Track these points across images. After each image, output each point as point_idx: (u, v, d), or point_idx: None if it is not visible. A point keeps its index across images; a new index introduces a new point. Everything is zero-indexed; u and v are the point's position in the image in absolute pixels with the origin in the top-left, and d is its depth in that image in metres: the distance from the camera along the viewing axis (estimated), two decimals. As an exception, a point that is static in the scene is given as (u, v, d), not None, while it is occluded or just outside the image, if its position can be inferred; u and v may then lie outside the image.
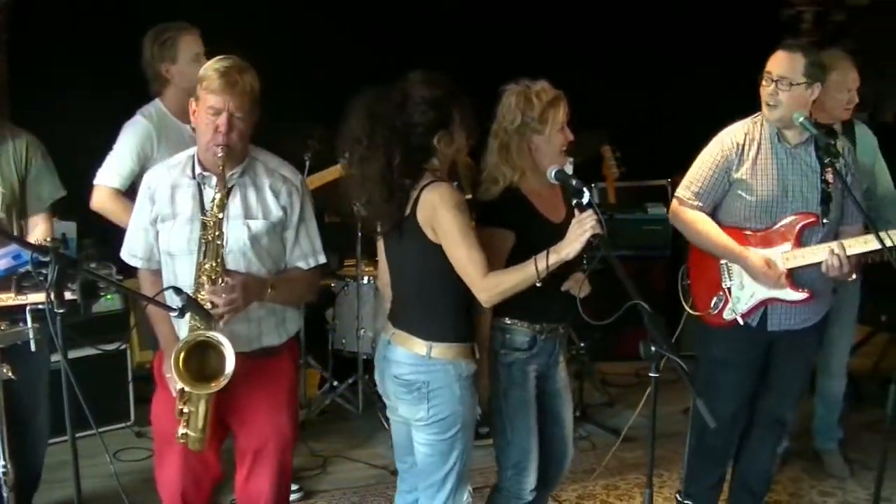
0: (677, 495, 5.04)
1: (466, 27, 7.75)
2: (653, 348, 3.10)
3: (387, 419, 4.88)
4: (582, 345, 6.48)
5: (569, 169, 4.52)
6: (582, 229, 3.42)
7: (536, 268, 3.46)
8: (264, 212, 3.75)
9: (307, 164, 5.82)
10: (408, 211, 3.55)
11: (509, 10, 7.86)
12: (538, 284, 3.52)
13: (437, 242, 3.53)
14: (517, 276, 3.51)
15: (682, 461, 5.02)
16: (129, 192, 4.42)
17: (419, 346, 3.63)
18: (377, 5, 7.51)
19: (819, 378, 5.65)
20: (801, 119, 4.14)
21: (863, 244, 4.14)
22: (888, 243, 3.96)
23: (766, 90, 4.22)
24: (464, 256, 3.49)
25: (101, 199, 4.57)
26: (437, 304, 3.65)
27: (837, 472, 5.68)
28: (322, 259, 3.94)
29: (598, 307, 3.63)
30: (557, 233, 3.57)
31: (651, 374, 3.14)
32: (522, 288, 3.52)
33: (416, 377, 3.64)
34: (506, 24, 7.82)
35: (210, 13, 5.03)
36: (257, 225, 3.72)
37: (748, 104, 4.38)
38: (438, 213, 3.48)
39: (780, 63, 4.20)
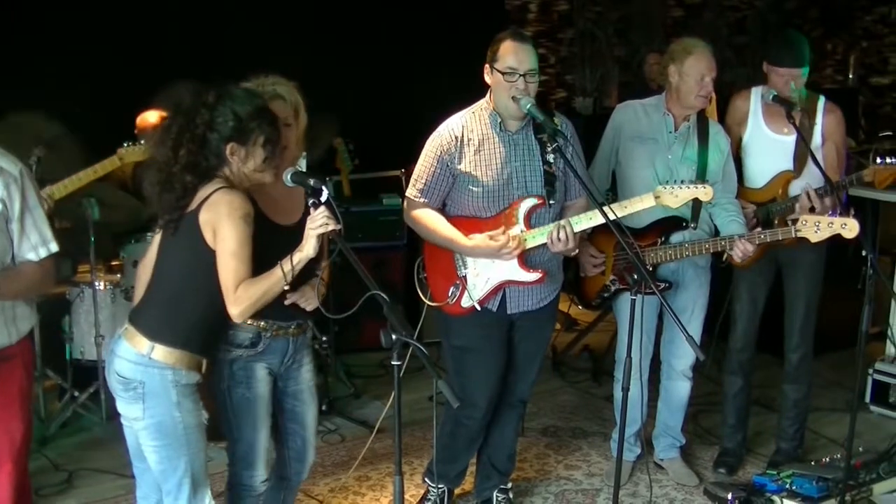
0: (426, 479, 5.12)
1: (198, 19, 7.61)
2: (393, 336, 3.17)
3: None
4: (324, 339, 6.52)
5: (302, 165, 4.55)
6: (314, 226, 3.49)
7: (283, 271, 3.50)
8: None
9: (33, 168, 5.58)
10: (191, 207, 3.53)
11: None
12: (286, 287, 3.58)
13: (212, 247, 3.51)
14: (265, 283, 3.52)
15: (432, 446, 5.09)
16: None
17: (142, 344, 3.59)
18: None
19: (662, 381, 5.48)
20: (529, 106, 4.24)
21: (588, 220, 4.32)
22: (612, 217, 4.10)
23: (513, 85, 4.26)
24: (230, 268, 3.49)
25: None
26: (181, 308, 3.62)
27: (686, 481, 5.43)
28: (54, 248, 3.80)
29: (340, 300, 3.66)
30: (290, 235, 3.63)
31: (393, 363, 3.20)
32: (274, 294, 3.56)
33: (134, 375, 3.60)
34: (232, 15, 7.72)
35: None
36: None
37: (477, 93, 4.49)
38: (222, 220, 3.46)
39: (528, 56, 4.26)
